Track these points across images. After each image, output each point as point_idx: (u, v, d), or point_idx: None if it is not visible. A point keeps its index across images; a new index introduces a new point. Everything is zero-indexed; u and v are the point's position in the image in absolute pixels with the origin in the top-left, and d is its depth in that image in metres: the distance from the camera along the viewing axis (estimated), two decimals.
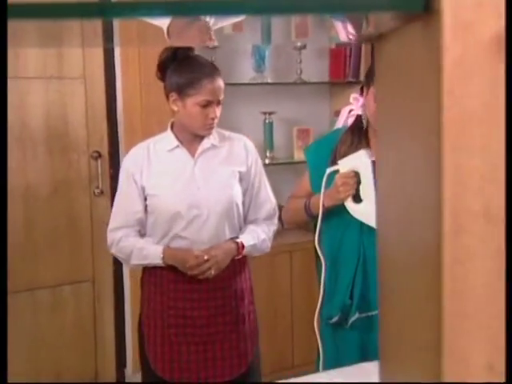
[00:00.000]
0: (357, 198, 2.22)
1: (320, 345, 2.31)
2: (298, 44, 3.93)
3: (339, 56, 4.09)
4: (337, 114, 4.12)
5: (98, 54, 3.70)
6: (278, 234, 2.58)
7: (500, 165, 0.61)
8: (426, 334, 0.67)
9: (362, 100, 2.32)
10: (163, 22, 2.26)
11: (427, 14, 0.61)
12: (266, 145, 3.93)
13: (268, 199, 2.55)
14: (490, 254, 0.62)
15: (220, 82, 2.45)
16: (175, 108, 2.39)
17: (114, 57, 3.68)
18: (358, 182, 2.19)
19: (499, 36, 0.60)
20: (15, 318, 3.61)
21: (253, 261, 2.58)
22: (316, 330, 2.30)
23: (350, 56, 4.03)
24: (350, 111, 2.48)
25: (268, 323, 3.50)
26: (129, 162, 2.46)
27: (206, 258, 2.32)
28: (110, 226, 2.46)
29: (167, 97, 2.42)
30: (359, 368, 2.19)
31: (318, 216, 2.30)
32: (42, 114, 3.60)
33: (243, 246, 2.42)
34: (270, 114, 3.91)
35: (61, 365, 3.70)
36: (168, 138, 2.45)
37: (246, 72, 3.98)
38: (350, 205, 2.24)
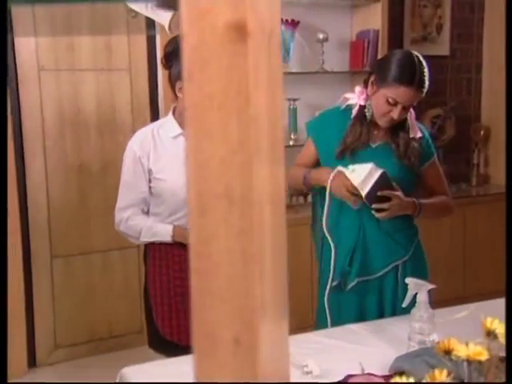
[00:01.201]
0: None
1: (327, 308, 2.28)
2: (321, 37, 3.82)
3: (358, 48, 3.96)
4: None
5: (141, 48, 3.70)
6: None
7: (239, 149, 0.55)
8: None
9: (365, 92, 2.21)
10: (166, 19, 2.21)
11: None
12: (291, 128, 3.86)
13: None
14: (233, 235, 0.56)
15: None
16: (181, 96, 2.30)
17: (155, 50, 3.67)
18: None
19: (238, 24, 0.54)
20: (72, 277, 3.70)
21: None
22: (326, 301, 2.28)
23: (368, 48, 3.90)
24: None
25: None
26: (136, 146, 2.37)
27: None
28: (118, 205, 2.38)
29: (172, 85, 2.33)
30: (345, 329, 2.15)
31: (313, 188, 2.27)
32: (94, 102, 3.64)
33: None
34: (295, 100, 3.83)
35: (111, 317, 3.78)
36: (171, 124, 2.36)
37: None
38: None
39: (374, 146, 2.24)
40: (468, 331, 1.93)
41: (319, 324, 2.34)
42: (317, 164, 2.32)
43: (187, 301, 2.12)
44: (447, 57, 4.35)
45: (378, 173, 2.05)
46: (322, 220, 2.25)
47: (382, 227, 2.23)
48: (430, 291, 1.96)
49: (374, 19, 3.91)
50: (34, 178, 3.56)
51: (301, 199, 3.77)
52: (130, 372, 1.79)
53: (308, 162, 2.36)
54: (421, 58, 2.14)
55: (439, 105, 4.29)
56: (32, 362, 3.66)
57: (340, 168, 2.12)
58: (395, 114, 2.10)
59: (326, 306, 2.28)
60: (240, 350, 0.57)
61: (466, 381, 0.96)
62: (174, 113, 2.39)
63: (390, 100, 2.09)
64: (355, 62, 3.99)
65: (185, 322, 2.35)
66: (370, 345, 1.98)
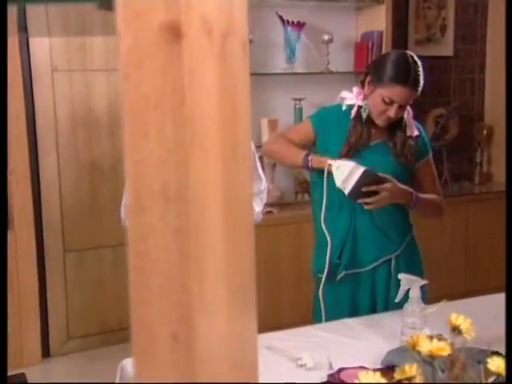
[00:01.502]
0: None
1: (321, 298, 2.28)
2: (326, 38, 3.79)
3: (363, 49, 3.93)
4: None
5: None
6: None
7: (175, 148, 0.54)
8: None
9: (362, 93, 2.20)
10: None
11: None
12: None
13: (259, 178, 2.47)
14: (170, 232, 0.55)
15: None
16: None
17: None
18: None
19: (171, 25, 0.53)
20: (84, 271, 3.72)
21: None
22: (320, 292, 2.28)
23: (372, 49, 3.87)
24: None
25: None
26: None
27: None
28: (123, 202, 2.36)
29: None
30: (341, 323, 2.14)
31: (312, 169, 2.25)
32: (105, 102, 3.65)
33: None
34: (300, 100, 3.81)
35: (122, 309, 3.78)
36: None
37: (279, 63, 3.88)
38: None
39: (372, 144, 2.22)
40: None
41: (315, 313, 2.34)
42: (307, 147, 2.31)
43: None
44: (451, 57, 4.30)
45: (359, 171, 2.04)
46: (317, 212, 2.26)
47: (375, 222, 2.22)
48: (422, 287, 1.94)
49: (379, 21, 3.87)
50: (47, 175, 3.58)
51: (306, 196, 3.75)
52: (131, 363, 1.80)
53: (301, 139, 2.33)
54: (415, 58, 2.13)
55: (443, 105, 4.25)
56: (46, 352, 3.68)
57: (330, 161, 2.12)
58: (392, 112, 2.10)
59: (320, 296, 2.28)
60: (178, 346, 0.56)
61: (428, 376, 0.95)
62: None
63: (386, 99, 2.09)
64: (360, 62, 3.96)
65: None
66: (364, 339, 1.97)
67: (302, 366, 1.74)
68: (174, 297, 0.56)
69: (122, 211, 2.38)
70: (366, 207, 2.11)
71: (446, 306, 2.27)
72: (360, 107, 2.20)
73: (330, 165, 2.12)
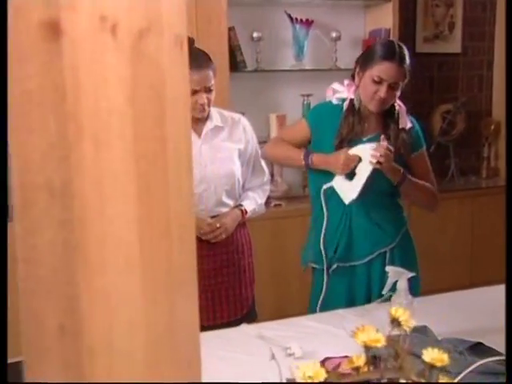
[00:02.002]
0: (347, 176, 2.14)
1: (317, 290, 2.29)
2: (334, 35, 3.75)
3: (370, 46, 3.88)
4: None
5: None
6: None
7: (58, 144, 0.53)
8: None
9: (353, 85, 2.19)
10: None
11: None
12: None
13: (262, 170, 2.45)
14: (55, 225, 0.54)
15: (207, 72, 2.20)
16: None
17: None
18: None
19: (50, 22, 0.52)
20: None
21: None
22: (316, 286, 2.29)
23: None
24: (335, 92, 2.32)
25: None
26: None
27: (218, 225, 2.26)
28: None
29: None
30: (333, 314, 2.11)
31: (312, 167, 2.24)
32: None
33: (246, 212, 2.35)
34: (308, 96, 3.77)
35: None
36: None
37: (288, 60, 3.85)
38: (338, 178, 2.16)
39: (365, 139, 2.20)
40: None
41: (311, 303, 2.33)
42: (303, 145, 2.30)
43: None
44: (459, 54, 4.21)
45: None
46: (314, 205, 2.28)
47: (370, 216, 2.20)
48: (415, 279, 1.94)
49: (386, 18, 3.81)
50: None
51: None
52: None
53: (297, 139, 2.33)
54: (401, 44, 2.15)
55: (451, 101, 4.16)
56: None
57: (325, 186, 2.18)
58: (382, 92, 2.08)
59: (316, 287, 2.28)
60: (65, 336, 0.55)
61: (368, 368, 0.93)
62: None
63: (376, 78, 2.07)
64: None
65: None
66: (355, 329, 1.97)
67: (290, 355, 1.72)
68: (61, 288, 0.55)
69: None
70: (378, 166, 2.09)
71: (443, 297, 2.26)
72: (352, 100, 2.19)
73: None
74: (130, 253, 0.56)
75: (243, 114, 3.65)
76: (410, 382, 0.89)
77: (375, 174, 2.11)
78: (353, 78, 2.20)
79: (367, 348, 0.88)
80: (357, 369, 0.98)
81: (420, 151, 2.26)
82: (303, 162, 2.24)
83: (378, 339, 0.88)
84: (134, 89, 0.61)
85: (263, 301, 2.98)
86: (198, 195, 2.26)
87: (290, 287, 3.54)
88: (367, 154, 2.08)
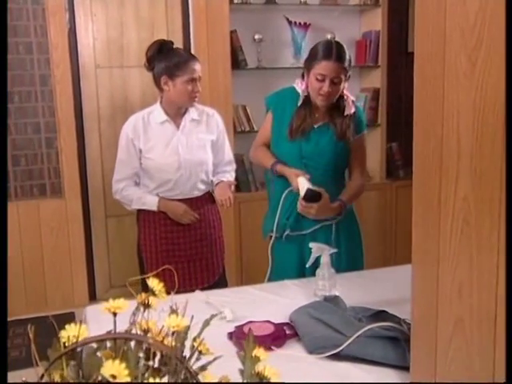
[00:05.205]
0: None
1: (270, 255, 2.44)
2: (329, 37, 3.95)
3: (362, 46, 4.07)
4: (363, 90, 4.14)
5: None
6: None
7: None
8: None
9: (304, 83, 2.34)
10: None
11: None
12: None
13: (229, 157, 2.70)
14: None
15: (198, 64, 2.45)
16: (166, 88, 2.42)
17: (190, 46, 3.94)
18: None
19: None
20: (123, 233, 4.14)
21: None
22: (269, 249, 2.44)
23: (370, 46, 4.00)
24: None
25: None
26: (129, 129, 2.49)
27: (225, 197, 2.49)
28: (114, 177, 2.56)
29: (157, 81, 2.45)
30: (279, 284, 2.24)
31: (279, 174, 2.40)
32: (139, 92, 4.01)
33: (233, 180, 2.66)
34: None
35: None
36: (158, 112, 2.48)
37: (288, 59, 4.08)
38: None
39: (316, 126, 2.37)
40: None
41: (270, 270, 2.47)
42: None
43: (172, 255, 2.37)
44: None
45: (305, 188, 2.26)
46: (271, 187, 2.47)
47: None
48: (332, 254, 2.06)
49: (378, 21, 3.99)
50: (92, 152, 4.02)
51: None
52: (92, 310, 1.96)
53: (269, 136, 2.47)
54: (340, 43, 2.30)
55: None
56: (93, 296, 4.14)
57: (291, 173, 2.34)
58: (325, 86, 2.23)
59: (270, 253, 2.43)
60: None
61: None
62: (161, 102, 2.50)
63: (318, 76, 2.23)
64: (359, 58, 4.11)
65: (170, 272, 2.62)
66: (292, 298, 2.04)
67: (222, 318, 1.82)
68: None
69: (113, 186, 2.57)
70: (308, 216, 2.31)
71: (369, 272, 2.33)
72: (306, 96, 2.35)
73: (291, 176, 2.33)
74: None
75: (245, 106, 3.96)
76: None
77: (325, 151, 2.32)
78: (302, 76, 2.37)
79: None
80: (145, 331, 0.93)
81: (361, 134, 2.43)
82: (269, 167, 2.43)
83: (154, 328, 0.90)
84: None
85: (233, 270, 3.25)
86: (175, 181, 2.48)
87: (255, 257, 3.67)
88: (305, 183, 2.27)
